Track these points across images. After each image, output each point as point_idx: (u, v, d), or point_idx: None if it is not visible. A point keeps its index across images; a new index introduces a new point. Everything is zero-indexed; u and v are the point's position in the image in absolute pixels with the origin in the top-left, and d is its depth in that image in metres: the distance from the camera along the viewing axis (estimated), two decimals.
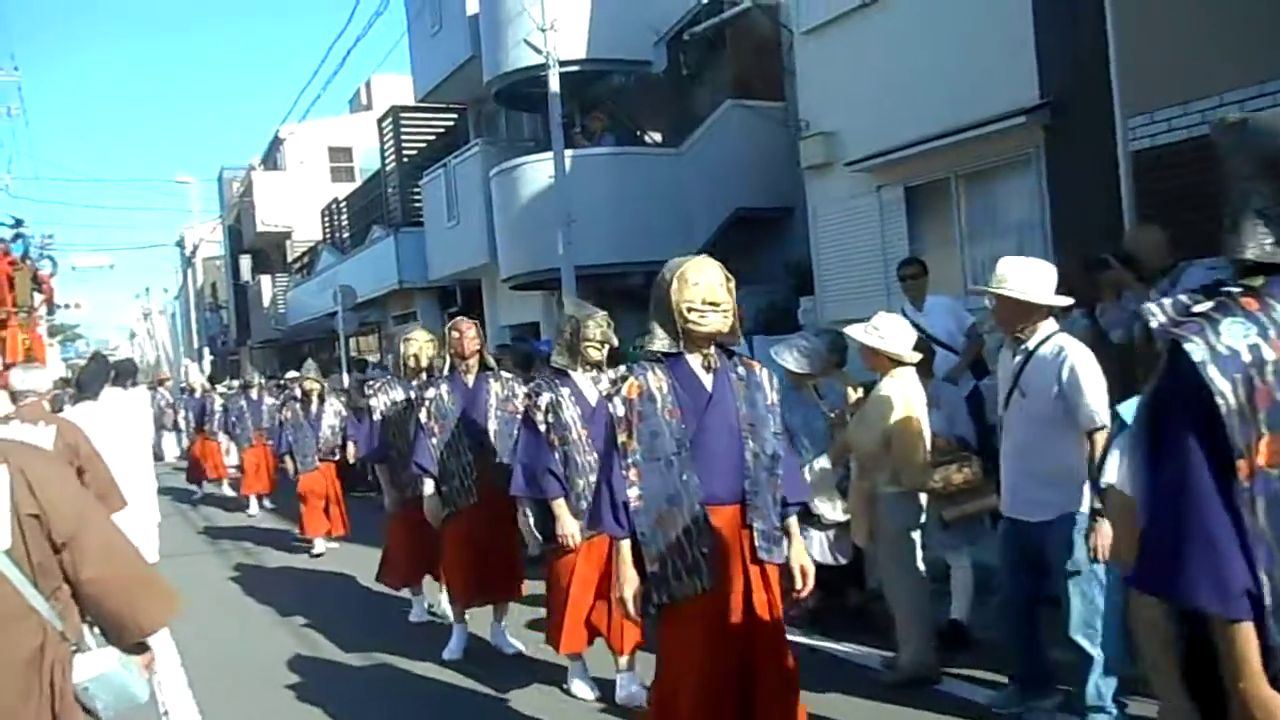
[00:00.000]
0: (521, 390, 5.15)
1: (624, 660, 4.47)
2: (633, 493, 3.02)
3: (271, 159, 29.39)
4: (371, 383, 7.66)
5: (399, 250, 17.54)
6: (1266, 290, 1.62)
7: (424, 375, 6.03)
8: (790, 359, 5.23)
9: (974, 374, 6.65)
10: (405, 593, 6.56)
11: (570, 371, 4.53)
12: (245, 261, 31.25)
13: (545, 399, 4.45)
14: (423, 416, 5.35)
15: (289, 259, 27.53)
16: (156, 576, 2.51)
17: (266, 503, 12.63)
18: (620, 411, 3.06)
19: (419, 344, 6.16)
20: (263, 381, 14.09)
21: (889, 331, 4.49)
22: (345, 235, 22.16)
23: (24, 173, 79.56)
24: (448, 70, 15.09)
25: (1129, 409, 2.81)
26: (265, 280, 29.04)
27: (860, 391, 4.99)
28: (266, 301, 28.35)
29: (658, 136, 14.42)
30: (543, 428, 4.42)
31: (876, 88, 9.35)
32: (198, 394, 16.26)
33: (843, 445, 4.88)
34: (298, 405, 9.64)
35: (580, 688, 4.67)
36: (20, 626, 2.22)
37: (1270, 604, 1.53)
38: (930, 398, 4.70)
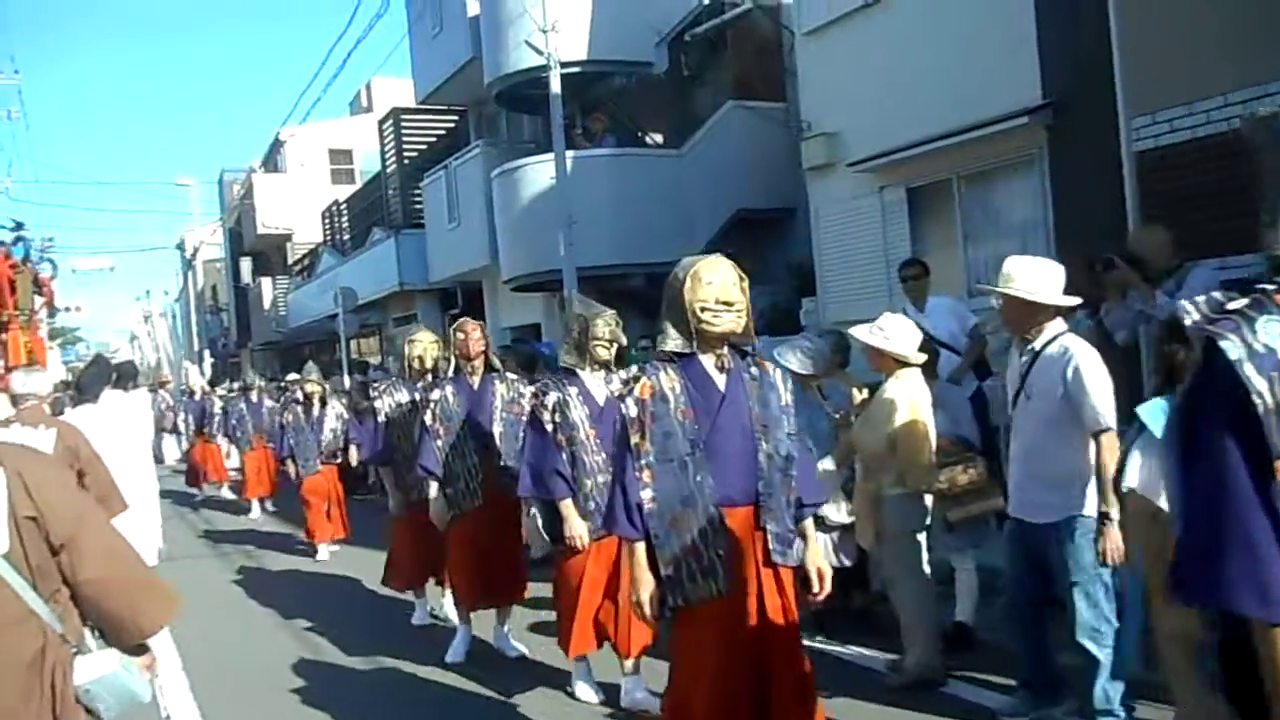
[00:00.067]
0: (527, 391, 5.13)
1: (629, 664, 4.44)
2: (646, 495, 2.99)
3: (272, 161, 29.40)
4: (376, 384, 7.63)
5: (400, 252, 17.54)
6: None
7: (429, 376, 6.00)
8: (794, 360, 5.20)
9: (977, 375, 6.63)
10: (408, 595, 6.54)
11: (578, 370, 4.49)
12: (246, 264, 31.25)
13: (553, 398, 4.40)
14: (428, 418, 5.33)
15: (289, 261, 27.54)
16: (156, 578, 2.50)
17: (269, 505, 12.60)
18: (633, 412, 3.04)
19: (424, 345, 6.14)
20: (262, 384, 14.05)
21: (894, 332, 4.47)
22: (346, 237, 22.15)
23: (24, 175, 79.70)
24: (448, 72, 15.09)
25: (1149, 411, 2.77)
26: (266, 282, 29.05)
27: (865, 392, 4.97)
28: (267, 304, 28.35)
29: (659, 138, 14.41)
30: (550, 427, 4.36)
31: (878, 88, 9.33)
32: (197, 397, 16.23)
33: (847, 446, 4.86)
34: (299, 408, 9.60)
35: (584, 691, 4.65)
36: (20, 629, 2.21)
37: None
38: (934, 399, 4.68)
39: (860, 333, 4.54)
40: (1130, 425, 3.37)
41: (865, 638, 5.08)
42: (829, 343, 5.68)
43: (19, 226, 12.07)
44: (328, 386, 10.16)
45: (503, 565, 5.37)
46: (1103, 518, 3.51)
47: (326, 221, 23.87)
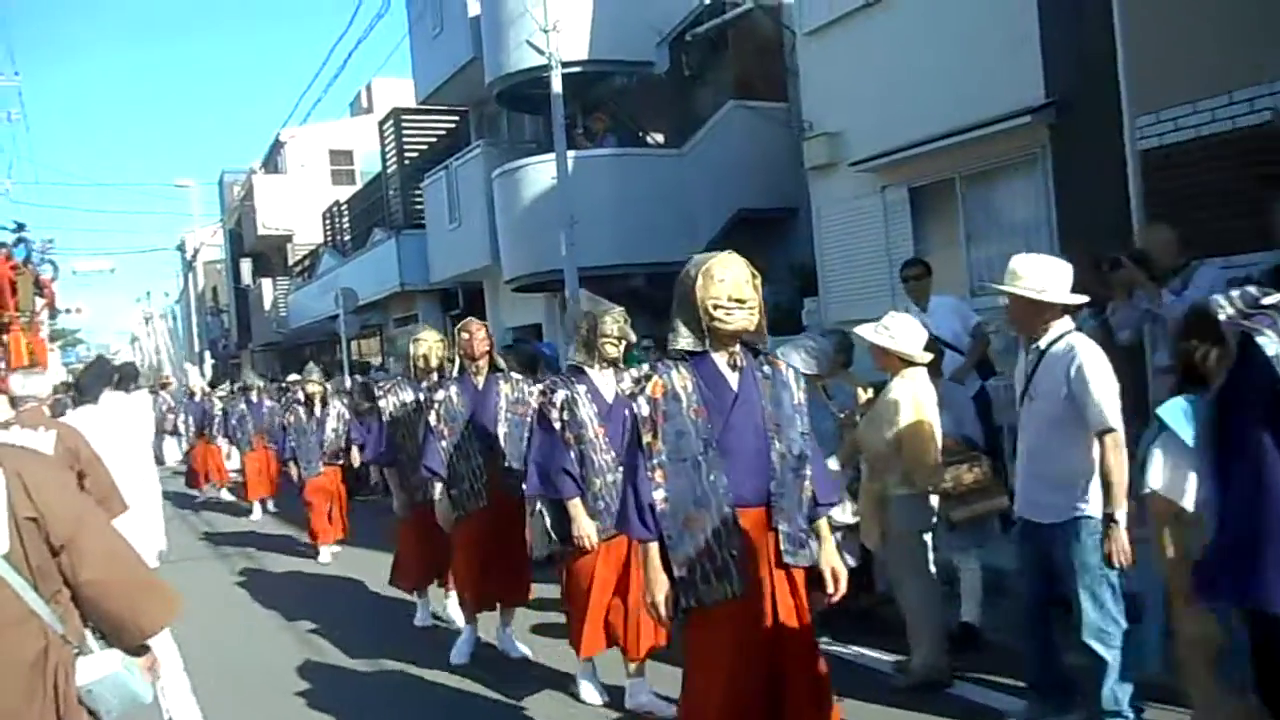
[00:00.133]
0: (532, 391, 5.10)
1: (634, 666, 4.42)
2: (658, 495, 2.96)
3: (272, 162, 29.41)
4: (381, 384, 7.61)
5: (400, 253, 17.53)
6: None
7: (434, 376, 5.99)
8: (797, 360, 5.17)
9: (980, 374, 6.61)
10: (412, 596, 6.52)
11: (586, 368, 4.45)
12: (246, 265, 31.23)
13: (560, 396, 4.35)
14: (432, 419, 5.31)
15: (290, 262, 27.54)
16: (156, 579, 2.50)
17: (270, 506, 12.57)
18: (645, 411, 3.00)
19: (429, 344, 6.12)
20: (261, 384, 14.01)
21: (900, 331, 4.45)
22: (346, 238, 22.15)
23: (24, 177, 79.55)
24: (449, 72, 15.07)
25: (1169, 411, 2.74)
26: (266, 284, 29.06)
27: (870, 392, 4.94)
28: (268, 305, 28.35)
29: (660, 137, 14.40)
30: (558, 425, 4.31)
31: (880, 88, 9.32)
32: (198, 398, 16.21)
33: (852, 446, 4.84)
34: (300, 409, 9.56)
35: (589, 692, 4.62)
36: (22, 630, 2.21)
37: None
38: (939, 398, 4.65)
39: (866, 332, 4.52)
40: (1135, 424, 3.34)
41: (870, 638, 5.06)
42: (832, 342, 5.65)
43: (20, 228, 12.06)
44: (329, 387, 10.13)
45: (507, 567, 5.34)
46: (1108, 519, 3.48)
47: (327, 222, 23.87)
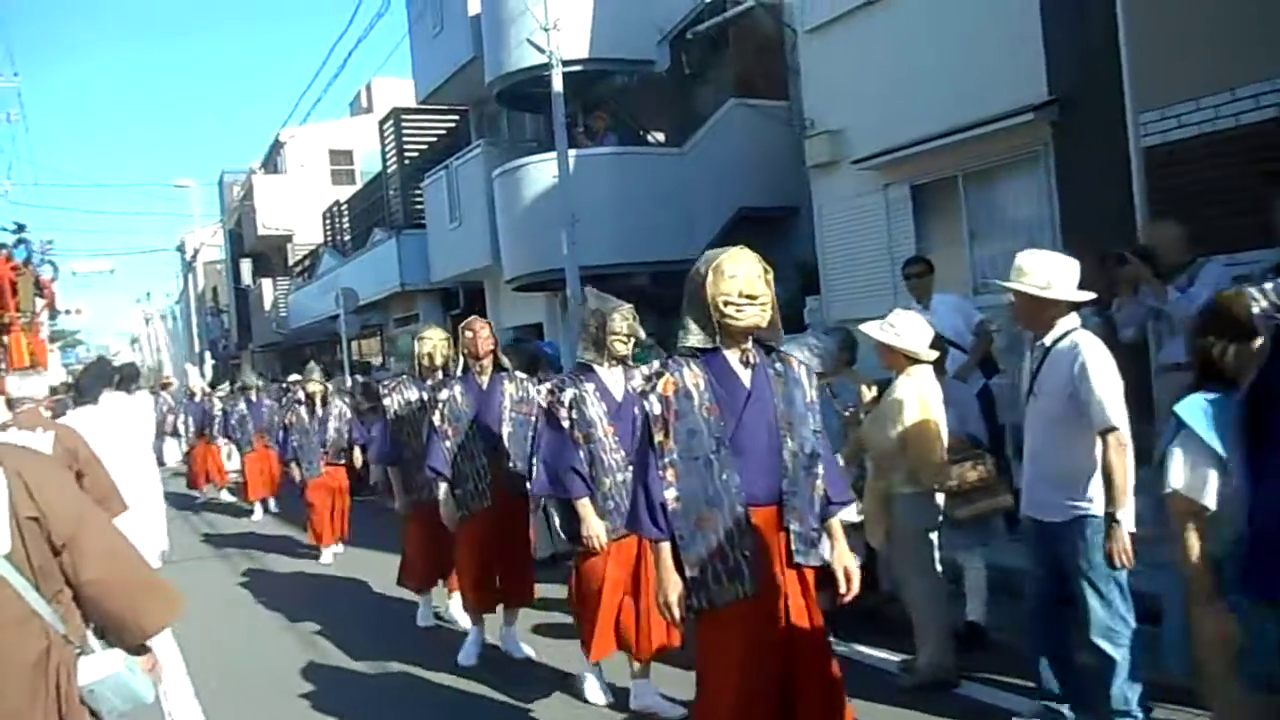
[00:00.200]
0: (537, 390, 5.07)
1: (639, 667, 4.39)
2: (670, 494, 2.92)
3: (272, 162, 29.39)
4: (385, 383, 7.58)
5: (401, 252, 17.52)
6: None
7: (438, 374, 5.96)
8: (801, 358, 5.16)
9: (983, 372, 6.59)
10: (412, 596, 6.50)
11: (595, 366, 4.41)
12: (246, 265, 31.23)
13: (569, 394, 4.30)
14: (436, 419, 5.29)
15: (290, 262, 27.52)
16: (158, 578, 2.50)
17: (271, 506, 12.55)
18: (656, 409, 2.96)
19: (434, 342, 6.09)
20: (260, 384, 13.97)
21: (905, 329, 4.43)
22: (346, 238, 22.14)
23: (24, 178, 79.51)
24: (449, 71, 15.05)
25: (1188, 409, 2.70)
26: (266, 284, 29.04)
27: (875, 390, 4.92)
28: (268, 305, 28.33)
29: (661, 136, 14.38)
30: (566, 424, 4.26)
31: (882, 85, 9.30)
32: (198, 398, 16.19)
33: (857, 444, 4.82)
34: (301, 409, 9.52)
35: (594, 692, 4.60)
36: (24, 630, 2.21)
37: None
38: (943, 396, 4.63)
39: (871, 329, 4.49)
40: (1138, 423, 3.30)
41: (875, 637, 5.04)
42: (836, 340, 5.64)
43: (20, 229, 12.06)
44: (330, 386, 10.10)
45: (511, 567, 5.32)
46: (1109, 519, 3.46)
47: (327, 222, 23.85)
